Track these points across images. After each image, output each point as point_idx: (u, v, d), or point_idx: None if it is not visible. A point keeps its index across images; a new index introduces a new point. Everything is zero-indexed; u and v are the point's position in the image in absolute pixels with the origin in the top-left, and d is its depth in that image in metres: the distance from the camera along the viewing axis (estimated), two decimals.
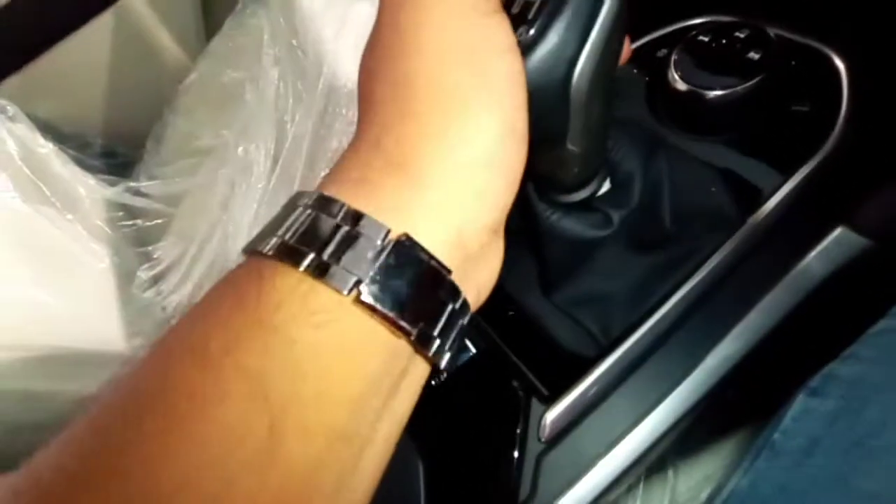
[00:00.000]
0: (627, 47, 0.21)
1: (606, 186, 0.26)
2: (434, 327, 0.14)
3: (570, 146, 0.20)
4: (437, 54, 0.15)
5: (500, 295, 0.30)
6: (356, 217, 0.14)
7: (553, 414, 0.25)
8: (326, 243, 0.13)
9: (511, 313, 0.30)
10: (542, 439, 0.24)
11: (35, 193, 0.46)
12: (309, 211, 0.14)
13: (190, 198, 0.52)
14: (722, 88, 0.27)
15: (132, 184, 0.52)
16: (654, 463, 0.25)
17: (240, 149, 0.50)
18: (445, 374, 0.16)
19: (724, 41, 0.28)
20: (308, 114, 0.48)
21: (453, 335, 0.15)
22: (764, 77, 0.26)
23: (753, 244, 0.25)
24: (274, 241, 0.14)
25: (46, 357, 0.38)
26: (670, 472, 0.28)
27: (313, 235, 0.13)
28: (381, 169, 0.14)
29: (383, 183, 0.14)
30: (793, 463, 0.21)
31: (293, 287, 0.13)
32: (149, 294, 0.50)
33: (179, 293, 0.49)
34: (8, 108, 0.45)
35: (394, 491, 0.26)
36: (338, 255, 0.13)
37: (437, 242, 0.14)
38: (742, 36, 0.28)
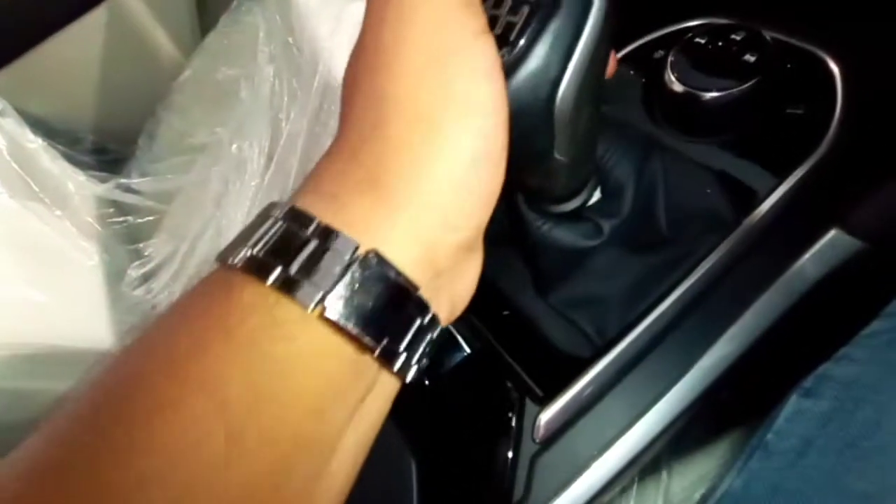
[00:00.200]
0: (613, 59, 0.21)
1: (597, 196, 0.26)
2: (400, 342, 0.14)
3: (556, 162, 0.20)
4: (415, 75, 0.15)
5: (495, 295, 0.30)
6: (326, 232, 0.14)
7: (547, 415, 0.25)
8: (295, 257, 0.13)
9: (506, 313, 0.30)
10: (537, 440, 0.24)
11: (23, 189, 0.45)
12: (280, 223, 0.14)
13: (182, 195, 0.52)
14: (718, 90, 0.27)
15: (123, 180, 0.52)
16: (647, 464, 0.25)
17: (234, 146, 0.49)
18: (427, 380, 0.15)
19: (720, 43, 0.28)
20: (303, 112, 0.48)
21: (421, 349, 0.15)
22: (759, 79, 0.26)
23: (748, 246, 0.25)
24: (244, 252, 0.14)
25: (34, 355, 0.37)
26: (664, 473, 0.28)
27: (282, 249, 0.14)
28: (354, 186, 0.15)
29: (355, 200, 0.14)
30: (786, 463, 0.21)
31: (260, 300, 0.13)
32: (139, 292, 0.49)
33: (170, 291, 0.49)
34: None
35: (387, 491, 0.26)
36: (305, 269, 0.13)
37: (406, 259, 0.14)
38: (738, 38, 0.28)
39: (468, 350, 0.29)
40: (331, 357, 0.14)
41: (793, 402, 0.22)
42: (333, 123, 0.45)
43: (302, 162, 0.48)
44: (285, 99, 0.49)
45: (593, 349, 0.26)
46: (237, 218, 0.48)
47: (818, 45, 0.28)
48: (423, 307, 0.15)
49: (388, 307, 0.14)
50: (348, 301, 0.13)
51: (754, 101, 0.27)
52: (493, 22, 0.18)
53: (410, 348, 0.15)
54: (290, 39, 0.49)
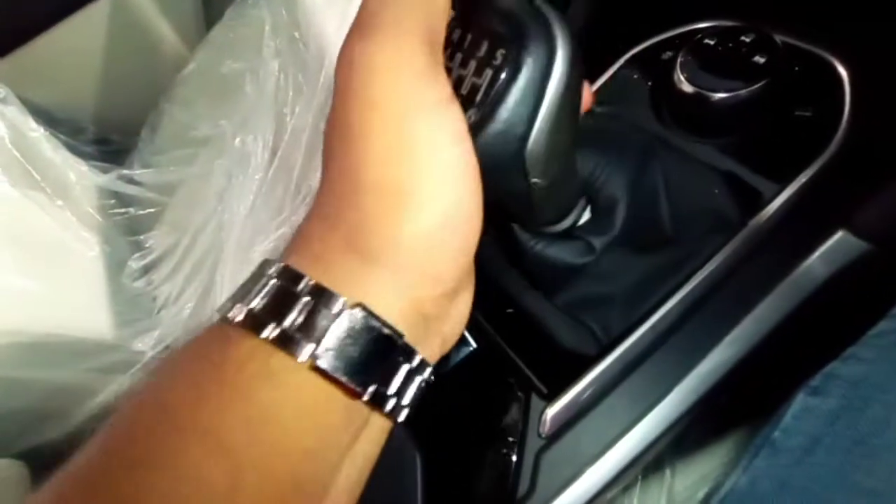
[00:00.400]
0: (588, 93, 0.22)
1: (586, 216, 0.27)
2: (388, 387, 0.16)
3: (535, 201, 0.21)
4: (379, 150, 0.16)
5: (500, 293, 0.30)
6: (316, 289, 0.15)
7: (553, 410, 0.25)
8: (287, 313, 0.15)
9: (511, 311, 0.30)
10: (543, 435, 0.24)
11: (24, 178, 0.45)
12: (274, 281, 0.15)
13: (185, 188, 0.52)
14: (726, 91, 0.27)
15: (125, 171, 0.51)
16: (651, 462, 0.25)
17: (237, 140, 0.49)
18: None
19: (729, 45, 0.28)
20: (308, 107, 0.48)
21: (411, 391, 0.16)
22: (768, 81, 0.26)
23: (754, 246, 0.26)
24: (241, 309, 0.15)
25: (33, 344, 0.37)
26: (668, 471, 0.28)
27: (277, 305, 0.15)
28: (337, 247, 0.16)
29: (339, 260, 0.16)
30: (793, 461, 0.21)
31: (255, 353, 0.14)
32: (139, 284, 0.49)
33: (170, 283, 0.49)
34: (0, 90, 0.44)
35: (392, 485, 0.26)
36: (297, 324, 0.14)
37: (392, 311, 0.16)
38: (747, 40, 0.28)
39: (474, 345, 0.29)
40: (323, 403, 0.15)
41: (800, 401, 0.22)
42: None
43: (306, 157, 0.48)
44: (290, 94, 0.49)
45: (599, 347, 0.26)
46: (239, 212, 0.47)
47: (827, 48, 0.28)
48: (409, 353, 0.16)
49: (375, 356, 0.15)
50: (337, 352, 0.15)
51: (763, 103, 0.27)
52: (458, 83, 0.18)
53: (400, 392, 0.16)
54: (297, 34, 0.49)
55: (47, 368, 0.37)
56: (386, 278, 0.16)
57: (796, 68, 0.28)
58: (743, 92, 0.27)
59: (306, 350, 0.14)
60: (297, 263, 0.16)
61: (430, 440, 0.27)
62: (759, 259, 0.25)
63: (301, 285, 0.15)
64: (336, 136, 0.16)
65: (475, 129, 0.17)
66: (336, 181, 0.16)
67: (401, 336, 0.16)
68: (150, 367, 0.41)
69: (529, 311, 0.29)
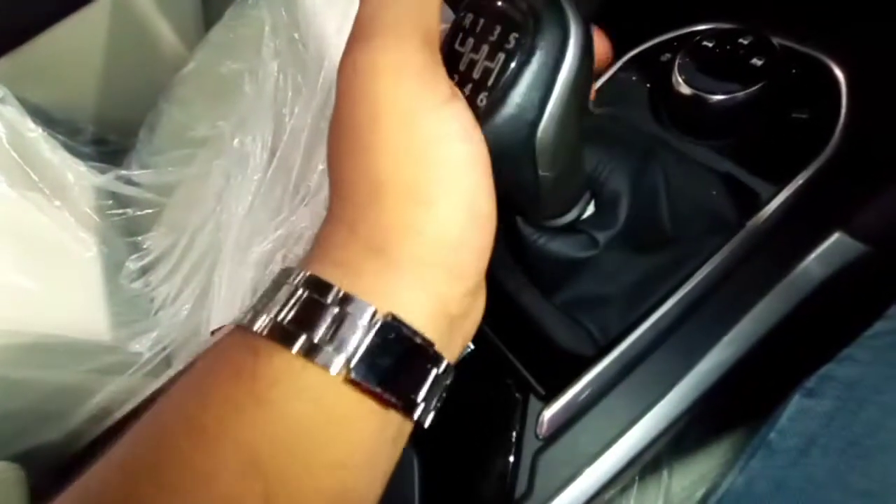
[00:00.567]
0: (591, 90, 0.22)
1: (590, 210, 0.27)
2: (419, 394, 0.15)
3: (542, 191, 0.20)
4: (391, 151, 0.15)
5: (498, 293, 0.30)
6: (345, 299, 0.15)
7: (551, 411, 0.25)
8: (316, 324, 0.14)
9: (509, 311, 0.30)
10: (540, 436, 0.24)
11: (22, 178, 0.45)
12: (300, 291, 0.15)
13: (183, 188, 0.52)
14: (724, 93, 0.27)
15: (123, 172, 0.51)
16: (648, 462, 0.25)
17: (236, 140, 0.49)
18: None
19: (727, 47, 0.28)
20: (307, 107, 0.48)
21: (437, 396, 0.16)
22: (765, 84, 0.27)
23: (752, 248, 0.26)
24: (267, 320, 0.15)
25: (30, 345, 0.37)
26: (665, 472, 0.28)
27: (305, 317, 0.14)
28: (360, 253, 0.16)
29: (363, 267, 0.15)
30: (789, 462, 0.21)
31: (286, 366, 0.14)
32: (137, 285, 0.49)
33: (168, 284, 0.49)
34: None
35: (389, 488, 0.26)
36: (327, 336, 0.14)
37: (421, 316, 0.15)
38: (745, 43, 0.28)
39: (471, 346, 0.29)
40: (356, 415, 0.15)
41: (795, 402, 0.22)
42: None
43: (305, 158, 0.48)
44: (289, 94, 0.49)
45: (596, 347, 0.26)
46: (238, 212, 0.47)
47: (824, 50, 0.28)
48: (438, 359, 0.16)
49: (407, 364, 0.15)
50: (370, 362, 0.14)
51: (760, 105, 0.27)
52: (470, 67, 0.18)
53: (427, 397, 0.16)
54: (296, 35, 0.49)
55: (44, 369, 0.37)
56: (413, 281, 0.15)
57: (793, 71, 0.28)
58: (740, 94, 0.27)
59: (338, 362, 0.14)
60: (322, 272, 0.15)
61: (427, 441, 0.27)
62: (756, 260, 0.25)
63: (330, 296, 0.15)
64: (344, 142, 0.16)
65: (486, 114, 0.17)
66: (350, 187, 0.16)
67: (432, 345, 0.16)
68: (147, 368, 0.41)
69: (527, 311, 0.29)
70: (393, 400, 0.15)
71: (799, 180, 0.26)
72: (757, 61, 0.27)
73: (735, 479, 0.22)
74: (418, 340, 0.15)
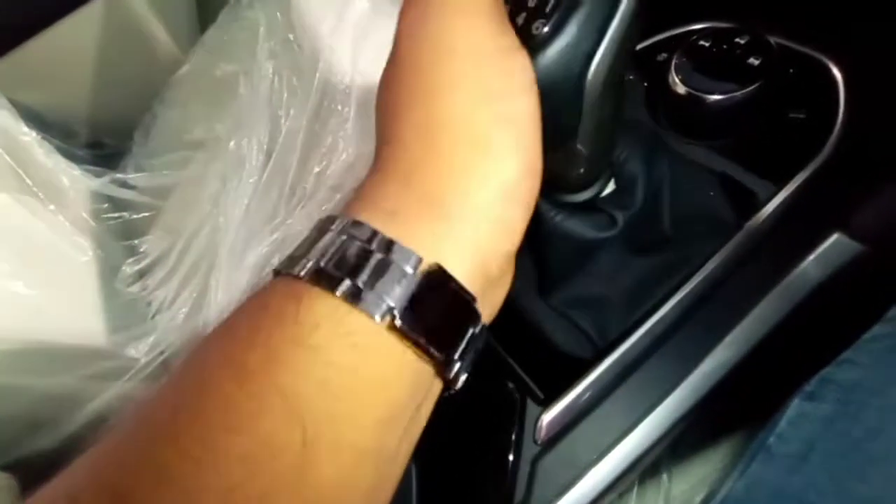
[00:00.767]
0: None
1: (611, 187, 0.26)
2: (456, 351, 0.15)
3: (579, 145, 0.20)
4: (460, 97, 0.15)
5: None
6: (389, 245, 0.14)
7: (549, 416, 0.24)
8: (360, 269, 0.14)
9: (507, 314, 0.29)
10: (538, 442, 0.24)
11: (16, 183, 0.44)
12: (343, 237, 0.15)
13: (179, 191, 0.51)
14: (721, 93, 0.27)
15: (119, 175, 0.51)
16: (648, 467, 0.25)
17: (232, 143, 0.49)
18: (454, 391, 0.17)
19: (724, 47, 0.28)
20: (303, 109, 0.47)
21: (470, 357, 0.16)
22: (763, 83, 0.26)
23: (750, 249, 0.26)
24: (309, 264, 0.14)
25: (24, 351, 0.37)
26: (665, 476, 0.28)
27: (348, 261, 0.14)
28: (412, 203, 0.15)
29: (415, 216, 0.15)
30: (788, 467, 0.21)
31: (330, 311, 0.14)
32: (134, 289, 0.49)
33: (165, 288, 0.48)
34: None
35: None
36: (371, 281, 0.14)
37: (464, 271, 0.15)
38: (742, 42, 0.28)
39: None
40: (397, 366, 0.14)
41: (795, 406, 0.22)
42: (333, 121, 0.45)
43: (301, 160, 0.48)
44: (285, 96, 0.48)
45: (595, 350, 0.26)
46: (234, 216, 0.47)
47: (821, 50, 0.28)
48: (476, 317, 0.16)
49: (450, 319, 0.15)
50: (413, 312, 0.14)
51: (757, 105, 0.27)
52: None
53: (463, 357, 0.15)
54: (291, 36, 0.49)
55: (39, 375, 0.37)
56: (461, 235, 0.15)
57: (791, 70, 0.28)
58: (737, 94, 0.27)
59: (383, 308, 0.14)
60: (366, 218, 0.15)
61: (426, 446, 0.26)
62: (755, 262, 0.25)
63: (374, 241, 0.14)
64: (403, 87, 0.16)
65: (542, 43, 0.17)
66: (406, 136, 0.16)
67: (474, 299, 0.15)
68: (144, 373, 0.41)
69: (526, 314, 0.29)
70: (434, 352, 0.14)
71: (797, 180, 0.26)
72: (754, 61, 0.27)
73: (734, 485, 0.22)
74: (461, 293, 0.15)
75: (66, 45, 0.52)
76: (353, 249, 0.14)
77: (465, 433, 0.27)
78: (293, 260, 0.15)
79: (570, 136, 0.20)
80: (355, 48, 0.46)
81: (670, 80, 0.29)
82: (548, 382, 0.26)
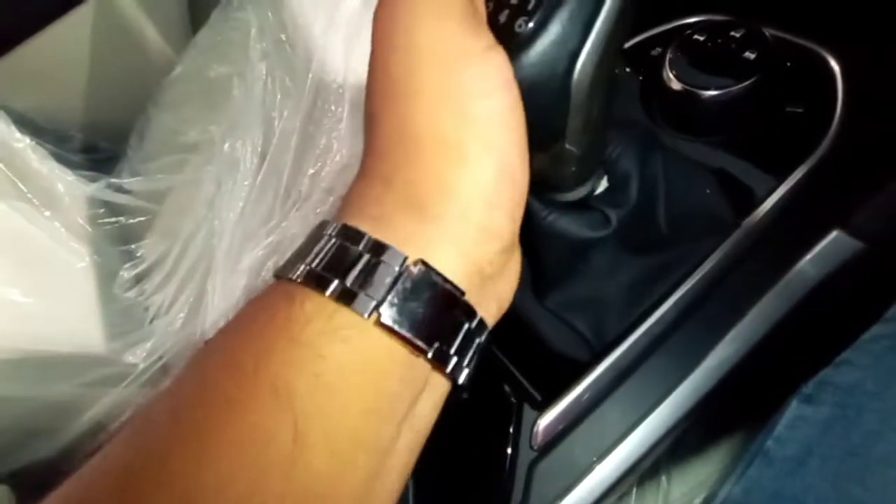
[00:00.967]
0: None
1: (604, 185, 0.26)
2: (451, 346, 0.15)
3: (568, 145, 0.20)
4: (429, 102, 0.15)
5: None
6: (377, 247, 0.15)
7: (546, 420, 0.24)
8: (350, 271, 0.15)
9: (503, 317, 0.29)
10: (535, 447, 0.24)
11: (10, 189, 0.44)
12: (334, 240, 0.15)
13: (174, 195, 0.51)
14: (717, 88, 0.26)
15: (114, 180, 0.51)
16: (646, 470, 0.25)
17: (226, 145, 0.48)
18: (466, 393, 0.17)
19: (719, 40, 0.28)
20: (296, 110, 0.47)
21: (471, 352, 0.16)
22: (759, 77, 0.26)
23: (747, 248, 0.25)
24: (302, 268, 0.15)
25: (21, 359, 0.37)
26: (663, 479, 0.28)
27: (338, 264, 0.15)
28: (394, 206, 0.16)
29: (398, 219, 0.16)
30: (786, 471, 0.21)
31: (320, 309, 0.14)
32: (131, 294, 0.49)
33: (163, 292, 0.48)
34: None
35: None
36: (360, 281, 0.15)
37: (452, 268, 0.15)
38: (737, 35, 0.27)
39: None
40: (386, 359, 0.15)
41: (793, 409, 0.22)
42: (327, 122, 0.45)
43: (295, 161, 0.47)
44: (278, 97, 0.48)
45: (591, 353, 0.26)
46: (229, 219, 0.47)
47: (819, 42, 0.27)
48: (470, 312, 0.16)
49: (438, 312, 0.15)
50: (400, 308, 0.15)
51: (754, 100, 0.26)
52: None
53: (461, 352, 0.16)
54: (283, 36, 0.48)
55: (37, 384, 0.37)
56: (446, 236, 0.15)
57: (788, 63, 0.28)
58: (733, 89, 0.26)
59: (370, 306, 0.14)
60: (355, 223, 0.16)
61: (422, 452, 0.26)
62: (752, 260, 0.25)
63: (362, 243, 0.15)
64: (380, 94, 0.16)
65: (526, 42, 0.16)
66: (387, 142, 0.16)
67: (462, 293, 0.16)
68: (142, 379, 0.41)
69: (522, 317, 0.29)
70: (423, 346, 0.15)
71: (795, 176, 0.25)
72: (750, 54, 0.26)
73: (732, 488, 0.22)
74: (448, 287, 0.15)
75: (59, 48, 0.52)
76: (344, 253, 0.15)
77: (460, 438, 0.27)
78: (289, 264, 0.15)
79: (558, 135, 0.19)
80: (348, 46, 0.46)
81: (665, 75, 0.28)
82: (544, 385, 0.26)
